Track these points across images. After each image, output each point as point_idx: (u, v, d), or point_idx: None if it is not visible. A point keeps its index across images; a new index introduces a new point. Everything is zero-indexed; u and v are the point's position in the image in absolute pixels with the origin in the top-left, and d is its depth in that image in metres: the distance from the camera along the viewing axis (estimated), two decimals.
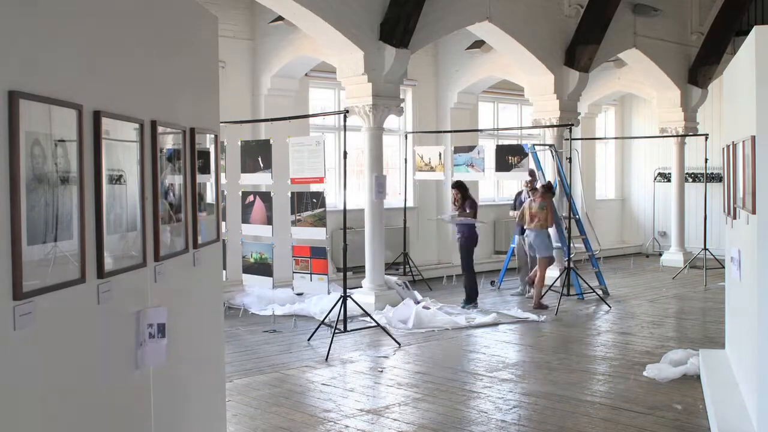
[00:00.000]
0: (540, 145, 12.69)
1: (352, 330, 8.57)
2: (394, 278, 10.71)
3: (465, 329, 8.96)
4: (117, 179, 3.09)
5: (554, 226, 10.97)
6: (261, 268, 9.26)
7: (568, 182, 11.79)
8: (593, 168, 17.20)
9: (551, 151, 12.31)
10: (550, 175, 12.43)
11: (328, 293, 8.81)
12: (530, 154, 11.41)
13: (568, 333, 8.92)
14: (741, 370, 5.55)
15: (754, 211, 4.60)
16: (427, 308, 9.62)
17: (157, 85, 3.54)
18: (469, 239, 10.43)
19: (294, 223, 8.84)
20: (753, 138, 4.57)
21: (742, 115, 5.24)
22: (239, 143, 9.57)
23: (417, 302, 9.86)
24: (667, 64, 14.54)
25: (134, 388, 3.26)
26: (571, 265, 10.99)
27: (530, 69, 12.35)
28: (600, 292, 11.11)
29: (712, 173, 14.54)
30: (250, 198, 9.27)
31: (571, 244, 11.02)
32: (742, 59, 5.27)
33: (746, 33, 5.23)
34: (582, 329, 9.19)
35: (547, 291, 11.06)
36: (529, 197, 10.83)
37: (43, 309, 2.43)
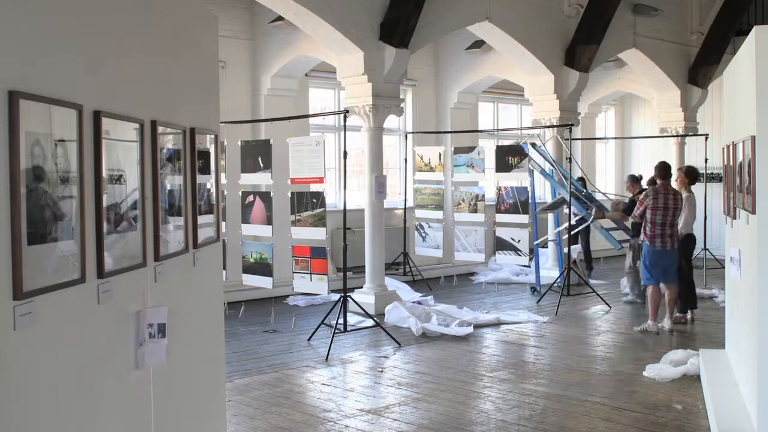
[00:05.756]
0: (528, 137, 12.50)
1: (352, 330, 8.58)
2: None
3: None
4: (117, 179, 3.09)
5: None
6: (261, 268, 9.27)
7: (557, 179, 11.67)
8: (593, 168, 17.19)
9: (536, 147, 11.76)
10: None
11: (328, 293, 8.82)
12: (529, 152, 11.36)
13: (568, 333, 8.92)
14: (741, 370, 5.55)
15: (754, 211, 4.60)
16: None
17: (157, 85, 3.53)
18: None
19: (294, 223, 8.84)
20: (753, 138, 4.56)
21: (742, 115, 5.24)
22: (239, 143, 9.57)
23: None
24: (667, 64, 14.54)
25: (134, 388, 3.26)
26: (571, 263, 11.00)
27: (530, 69, 12.35)
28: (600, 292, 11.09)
29: (712, 173, 14.53)
30: (250, 198, 9.27)
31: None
32: (742, 59, 5.27)
33: (746, 33, 5.23)
34: (582, 329, 9.19)
35: (547, 291, 11.06)
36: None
37: (43, 309, 2.43)
